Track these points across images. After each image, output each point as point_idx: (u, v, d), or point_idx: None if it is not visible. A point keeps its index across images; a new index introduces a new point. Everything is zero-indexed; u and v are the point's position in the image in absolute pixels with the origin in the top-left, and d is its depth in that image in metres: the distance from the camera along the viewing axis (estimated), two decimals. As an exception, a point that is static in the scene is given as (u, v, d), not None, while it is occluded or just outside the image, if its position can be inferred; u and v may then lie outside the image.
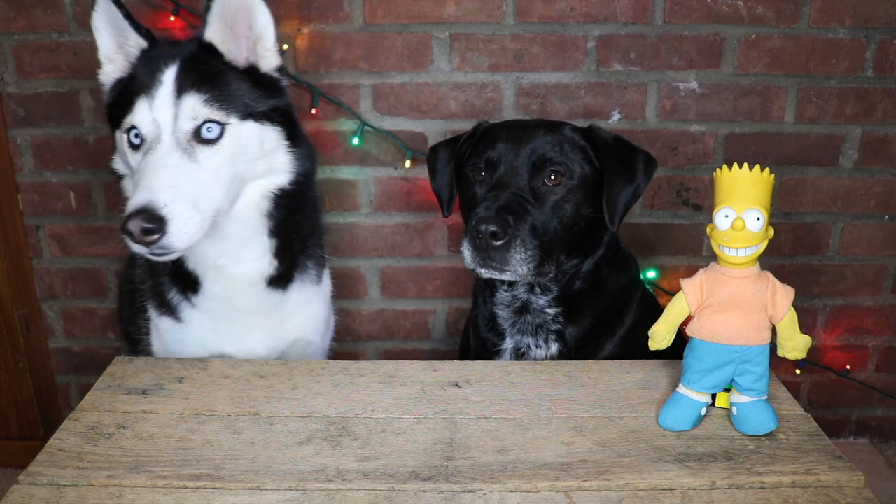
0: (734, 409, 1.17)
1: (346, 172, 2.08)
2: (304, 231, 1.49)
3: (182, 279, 1.44)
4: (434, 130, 2.03)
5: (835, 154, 2.05)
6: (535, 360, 1.56)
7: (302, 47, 1.97)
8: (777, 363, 1.22)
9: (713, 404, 1.20)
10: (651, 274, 2.12)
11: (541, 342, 1.55)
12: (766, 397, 1.16)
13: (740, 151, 2.04)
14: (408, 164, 2.02)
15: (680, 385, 1.19)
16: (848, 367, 2.23)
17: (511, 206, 1.37)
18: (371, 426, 1.18)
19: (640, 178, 1.48)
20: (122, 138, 1.30)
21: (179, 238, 1.18)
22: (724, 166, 1.12)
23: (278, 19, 1.92)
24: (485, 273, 1.40)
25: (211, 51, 1.33)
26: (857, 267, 2.16)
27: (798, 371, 2.25)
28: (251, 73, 1.36)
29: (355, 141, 2.01)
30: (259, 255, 1.41)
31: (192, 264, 1.41)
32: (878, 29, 1.93)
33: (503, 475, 1.05)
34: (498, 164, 1.45)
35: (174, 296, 1.46)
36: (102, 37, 1.36)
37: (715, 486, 1.04)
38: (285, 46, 1.95)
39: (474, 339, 1.70)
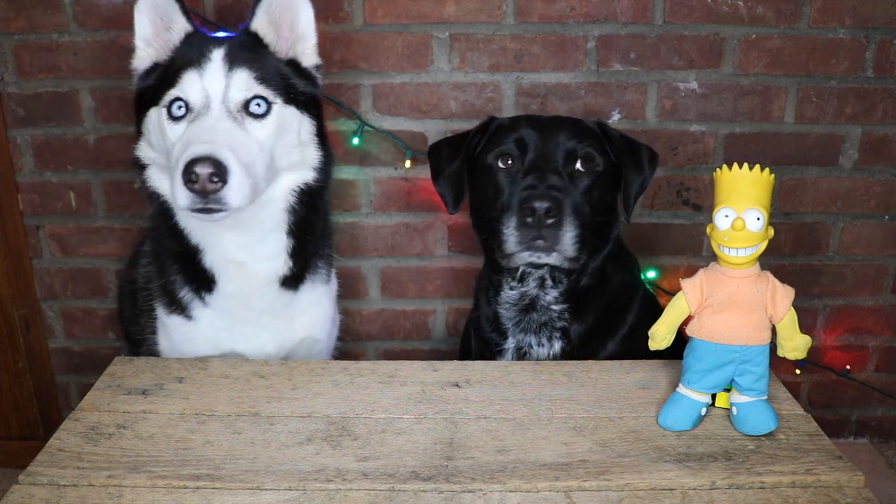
0: (734, 409, 1.17)
1: (346, 172, 2.08)
2: (318, 233, 1.51)
3: (196, 277, 1.44)
4: (434, 130, 2.03)
5: (835, 154, 2.05)
6: (537, 359, 1.56)
7: (302, 47, 1.96)
8: (777, 363, 1.22)
9: (713, 404, 1.20)
10: (651, 274, 2.12)
11: (543, 340, 1.55)
12: (766, 397, 1.16)
13: (740, 151, 2.04)
14: (408, 164, 2.02)
15: (680, 385, 1.19)
16: (848, 367, 2.23)
17: (557, 186, 1.38)
18: (371, 426, 1.18)
19: (646, 171, 1.54)
20: (159, 113, 1.32)
21: (236, 194, 1.21)
22: (724, 166, 1.12)
23: (278, 19, 1.94)
24: (527, 256, 1.38)
25: (256, 39, 1.39)
26: (857, 267, 2.16)
27: (798, 371, 2.25)
28: (292, 64, 1.42)
29: (355, 141, 2.01)
30: (276, 254, 1.42)
31: (210, 260, 1.41)
32: (878, 29, 1.93)
33: (503, 475, 1.05)
34: (527, 149, 1.45)
35: (185, 294, 1.46)
36: (143, 20, 1.38)
37: (715, 486, 1.04)
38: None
39: (476, 340, 1.70)
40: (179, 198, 1.21)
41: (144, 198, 1.46)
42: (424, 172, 2.06)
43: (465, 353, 1.81)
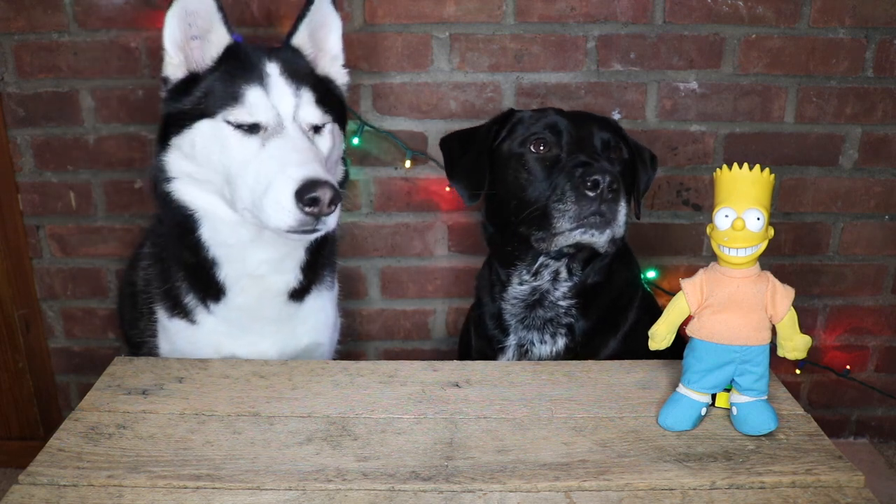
0: (734, 409, 1.17)
1: (346, 172, 2.08)
2: (328, 246, 1.51)
3: (205, 287, 1.42)
4: (434, 130, 2.03)
5: (835, 154, 2.05)
6: (538, 356, 1.56)
7: (302, 47, 1.96)
8: (777, 363, 1.22)
9: (713, 404, 1.20)
10: (651, 274, 2.12)
11: (546, 337, 1.55)
12: (766, 397, 1.16)
13: (740, 151, 2.04)
14: (408, 164, 2.02)
15: (680, 385, 1.19)
16: (848, 367, 2.23)
17: (608, 164, 1.40)
18: (371, 426, 1.18)
19: (649, 171, 1.60)
20: (216, 128, 1.28)
21: (335, 216, 1.23)
22: (724, 166, 1.12)
23: (278, 19, 1.94)
24: (578, 235, 1.36)
25: (300, 55, 1.41)
26: (857, 267, 2.16)
27: (798, 371, 2.25)
28: (329, 81, 1.44)
29: (355, 141, 2.01)
30: (292, 268, 1.42)
31: (225, 273, 1.39)
32: (878, 29, 1.93)
33: (503, 475, 1.05)
34: (562, 135, 1.46)
35: (190, 300, 1.45)
36: (174, 24, 1.32)
37: (715, 486, 1.04)
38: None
39: (478, 338, 1.70)
40: (285, 218, 1.19)
41: (149, 200, 1.44)
42: (424, 172, 2.06)
43: (464, 351, 1.81)
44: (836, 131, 2.03)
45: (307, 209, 1.18)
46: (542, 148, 1.46)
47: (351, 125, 2.01)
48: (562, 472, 1.06)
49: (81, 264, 2.18)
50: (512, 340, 1.58)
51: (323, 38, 1.44)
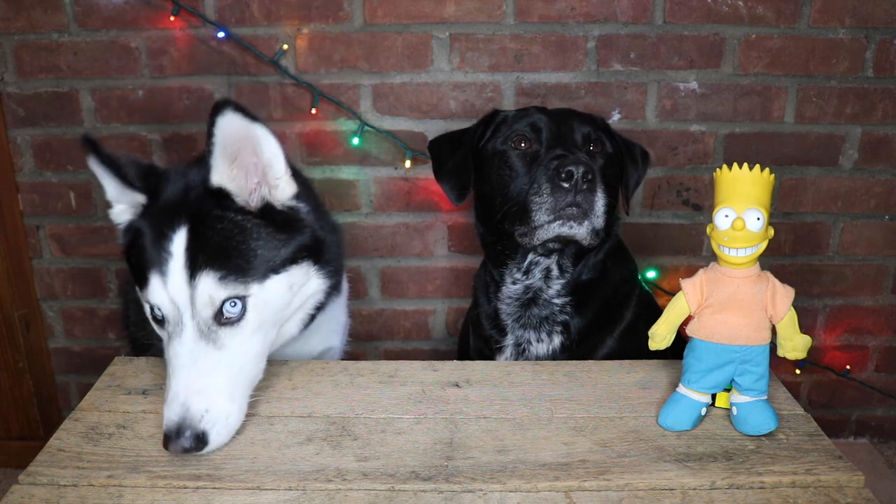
0: (734, 409, 1.17)
1: (346, 172, 2.08)
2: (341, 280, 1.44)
3: None
4: (434, 130, 2.03)
5: (835, 154, 2.05)
6: (536, 355, 1.56)
7: (302, 47, 1.97)
8: (777, 363, 1.22)
9: (713, 404, 1.20)
10: (651, 274, 2.12)
11: (543, 336, 1.56)
12: (766, 397, 1.16)
13: (740, 151, 2.04)
14: (408, 164, 2.03)
15: (680, 385, 1.19)
16: (848, 367, 2.23)
17: (584, 157, 1.40)
18: (371, 426, 1.18)
19: (640, 167, 1.60)
20: (144, 304, 1.21)
21: (221, 439, 1.13)
22: (724, 166, 1.12)
23: (278, 19, 1.94)
24: (557, 228, 1.38)
25: (220, 196, 1.18)
26: (857, 267, 2.16)
27: (798, 371, 2.25)
28: (267, 213, 1.20)
29: (355, 141, 2.01)
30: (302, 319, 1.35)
31: None
32: (878, 29, 1.93)
33: (503, 475, 1.05)
34: (543, 132, 1.48)
35: None
36: (104, 181, 1.25)
37: (715, 486, 1.04)
38: (286, 47, 1.95)
39: (476, 338, 1.70)
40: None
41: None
42: (424, 172, 2.06)
43: (463, 351, 1.81)
44: (836, 131, 2.03)
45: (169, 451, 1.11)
46: (522, 144, 1.48)
47: (351, 125, 2.02)
48: (562, 472, 1.06)
49: (81, 264, 2.18)
50: (510, 340, 1.59)
51: (248, 155, 1.17)
